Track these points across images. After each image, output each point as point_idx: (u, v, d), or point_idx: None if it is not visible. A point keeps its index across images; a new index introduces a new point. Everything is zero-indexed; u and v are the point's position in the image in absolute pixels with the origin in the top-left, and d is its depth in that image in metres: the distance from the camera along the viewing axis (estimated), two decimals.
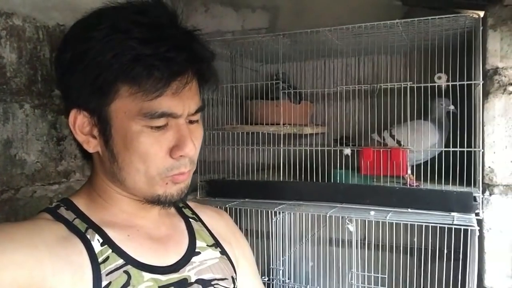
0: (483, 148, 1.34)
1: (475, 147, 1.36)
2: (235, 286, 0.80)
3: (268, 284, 1.51)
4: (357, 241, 1.37)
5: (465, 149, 1.35)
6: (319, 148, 1.54)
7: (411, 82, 1.39)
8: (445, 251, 1.31)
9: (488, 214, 1.34)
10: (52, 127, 1.46)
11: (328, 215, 1.37)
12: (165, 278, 0.68)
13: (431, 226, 1.26)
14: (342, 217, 1.40)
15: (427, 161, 1.46)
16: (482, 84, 1.32)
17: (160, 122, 0.64)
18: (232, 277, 0.79)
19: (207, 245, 0.79)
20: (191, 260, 0.74)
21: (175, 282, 0.69)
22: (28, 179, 1.37)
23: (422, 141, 1.41)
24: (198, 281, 0.72)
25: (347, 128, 1.66)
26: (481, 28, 1.31)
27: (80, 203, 0.70)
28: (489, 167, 1.35)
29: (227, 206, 1.47)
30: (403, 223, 1.31)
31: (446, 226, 1.23)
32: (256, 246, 1.54)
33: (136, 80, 0.61)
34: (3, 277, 0.55)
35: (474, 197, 1.30)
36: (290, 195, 1.50)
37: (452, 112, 1.46)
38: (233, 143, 1.69)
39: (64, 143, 1.50)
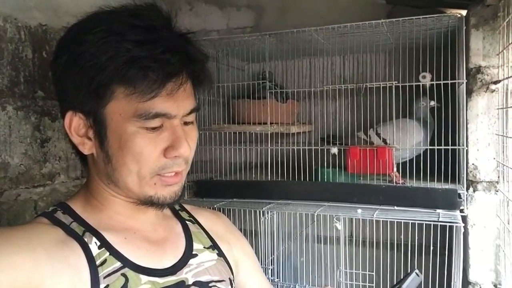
0: (467, 145, 1.36)
1: (459, 145, 1.38)
2: None
3: None
4: (344, 238, 1.38)
5: (450, 147, 1.37)
6: (306, 147, 1.55)
7: (396, 81, 1.40)
8: (431, 247, 1.33)
9: (472, 210, 1.37)
10: (36, 129, 1.44)
11: (316, 214, 1.37)
12: (162, 281, 0.68)
13: (417, 223, 1.28)
14: (329, 216, 1.41)
15: (413, 159, 1.48)
16: (466, 82, 1.34)
17: (155, 123, 0.65)
18: (230, 279, 0.79)
19: (204, 247, 0.79)
20: (188, 263, 0.74)
21: (173, 284, 0.69)
22: (12, 182, 1.35)
23: (408, 139, 1.43)
24: (195, 283, 0.72)
25: (333, 127, 1.68)
26: (464, 27, 1.33)
27: (77, 206, 0.71)
28: (473, 164, 1.38)
29: (215, 206, 1.46)
30: (389, 221, 1.32)
31: (431, 223, 1.24)
32: None
33: (131, 82, 0.62)
34: (1, 280, 0.55)
35: (459, 194, 1.33)
36: (278, 194, 1.51)
37: (436, 111, 1.48)
38: (220, 143, 1.68)
39: (48, 145, 1.48)
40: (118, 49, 0.61)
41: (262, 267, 1.49)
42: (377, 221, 1.56)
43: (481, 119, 1.36)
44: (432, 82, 1.38)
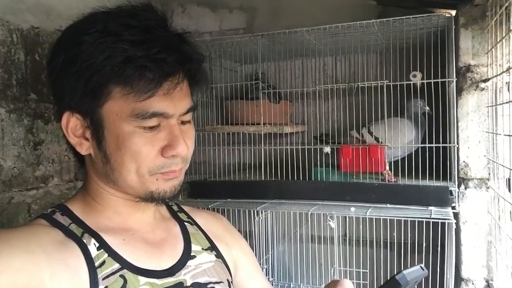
0: (457, 143, 1.38)
1: (450, 143, 1.40)
2: None
3: None
4: (338, 237, 1.39)
5: (441, 145, 1.39)
6: (299, 147, 1.56)
7: (387, 81, 1.42)
8: (424, 245, 1.35)
9: (463, 207, 1.38)
10: (29, 131, 1.43)
11: (309, 213, 1.38)
12: (161, 282, 0.68)
13: (410, 220, 1.29)
14: (323, 214, 1.42)
15: (405, 157, 1.50)
16: (456, 81, 1.36)
17: (152, 122, 0.65)
18: (228, 280, 0.79)
19: (203, 249, 0.79)
20: (187, 264, 0.74)
21: (171, 286, 0.69)
22: (5, 185, 1.34)
23: (400, 138, 1.44)
24: (193, 285, 0.72)
25: (326, 127, 1.69)
26: (453, 27, 1.35)
27: (75, 208, 0.71)
28: (464, 161, 1.39)
29: (209, 206, 1.47)
30: (382, 218, 1.34)
31: (424, 220, 1.26)
32: None
33: (128, 81, 0.62)
34: (0, 281, 0.55)
35: (450, 191, 1.34)
36: (272, 194, 1.51)
37: (428, 112, 1.50)
38: (213, 143, 1.69)
39: (41, 147, 1.48)
40: (114, 49, 0.61)
41: None
42: (370, 219, 1.57)
43: (471, 117, 1.38)
44: (422, 81, 1.40)
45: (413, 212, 1.30)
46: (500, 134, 1.22)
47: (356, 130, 1.55)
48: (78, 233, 0.66)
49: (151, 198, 0.70)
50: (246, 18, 2.03)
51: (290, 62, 1.90)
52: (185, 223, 0.82)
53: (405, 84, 1.42)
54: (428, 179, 1.40)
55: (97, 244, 0.66)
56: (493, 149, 1.31)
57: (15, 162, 1.38)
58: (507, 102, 1.18)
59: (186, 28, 0.71)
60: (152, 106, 0.64)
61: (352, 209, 1.36)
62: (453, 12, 1.39)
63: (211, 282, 0.75)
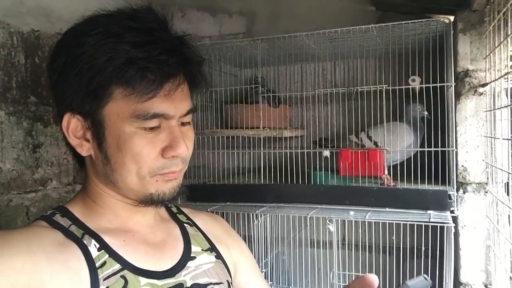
0: (456, 147, 1.38)
1: (448, 147, 1.40)
2: None
3: None
4: (337, 241, 1.39)
5: (439, 149, 1.39)
6: (299, 151, 1.57)
7: (386, 85, 1.42)
8: (423, 249, 1.35)
9: (462, 212, 1.39)
10: (28, 134, 1.43)
11: (309, 216, 1.38)
12: (161, 283, 0.68)
13: (409, 224, 1.30)
14: (322, 218, 1.42)
15: (403, 161, 1.50)
16: (454, 86, 1.36)
17: (153, 123, 0.66)
18: (228, 281, 0.79)
19: (202, 250, 0.79)
20: (187, 265, 0.74)
21: (171, 287, 0.70)
22: (4, 187, 1.34)
23: (399, 142, 1.45)
24: (193, 286, 0.72)
25: (325, 131, 1.69)
26: (451, 32, 1.36)
27: (75, 210, 0.71)
28: (462, 166, 1.40)
29: (208, 210, 1.46)
30: (381, 222, 1.34)
31: (423, 223, 1.26)
32: None
33: (129, 82, 0.63)
34: (1, 282, 0.55)
35: (449, 195, 1.35)
36: (271, 197, 1.51)
37: (426, 117, 1.50)
38: (213, 147, 1.69)
39: (40, 150, 1.48)
40: (116, 50, 0.62)
41: None
42: (369, 223, 1.58)
43: (469, 122, 1.39)
44: (421, 86, 1.41)
45: (412, 216, 1.30)
46: (498, 138, 1.23)
47: (355, 134, 1.55)
48: (79, 234, 0.66)
49: (150, 200, 0.70)
50: (245, 23, 2.04)
51: (289, 67, 1.91)
52: (185, 225, 0.83)
53: (404, 89, 1.43)
54: (427, 183, 1.40)
55: (98, 245, 0.66)
56: (492, 153, 1.32)
57: (14, 164, 1.38)
58: (505, 107, 1.19)
59: (185, 32, 0.72)
60: (153, 107, 0.65)
61: (351, 212, 1.37)
62: (451, 18, 1.40)
63: (211, 283, 0.75)
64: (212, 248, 0.81)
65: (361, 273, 1.42)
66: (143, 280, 0.67)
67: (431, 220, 1.25)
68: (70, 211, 0.71)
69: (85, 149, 0.69)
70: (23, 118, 1.41)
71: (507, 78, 1.16)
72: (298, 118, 1.87)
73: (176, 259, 0.74)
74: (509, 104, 1.17)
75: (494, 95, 1.28)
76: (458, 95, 1.39)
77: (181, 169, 0.71)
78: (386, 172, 1.48)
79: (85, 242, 0.66)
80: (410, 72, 1.46)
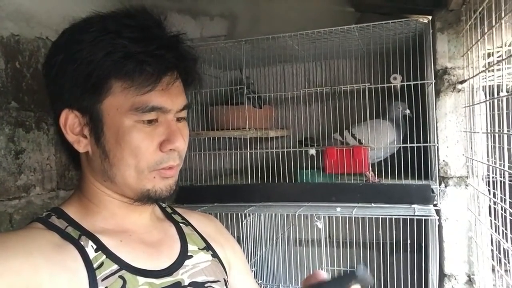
0: (437, 143, 1.43)
1: (430, 143, 1.44)
2: None
3: None
4: (325, 238, 1.42)
5: (421, 145, 1.43)
6: (285, 150, 1.58)
7: (368, 83, 1.46)
8: (408, 242, 1.38)
9: (444, 205, 1.43)
10: (10, 140, 1.41)
11: (297, 214, 1.40)
12: (159, 282, 0.69)
13: (394, 218, 1.33)
14: (310, 215, 1.44)
15: (387, 158, 1.54)
16: (434, 83, 1.41)
17: (151, 116, 0.67)
18: (224, 279, 0.80)
19: (199, 248, 0.80)
20: (184, 264, 0.75)
21: (169, 285, 0.70)
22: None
23: (382, 139, 1.48)
24: (191, 284, 0.73)
25: (309, 130, 1.72)
26: (430, 31, 1.41)
27: (71, 211, 0.71)
28: (444, 160, 1.44)
29: (196, 211, 1.46)
30: (367, 217, 1.36)
31: (408, 217, 1.29)
32: None
33: (129, 76, 0.64)
34: None
35: (432, 189, 1.39)
36: (259, 197, 1.53)
37: (408, 115, 1.55)
38: (198, 149, 1.69)
39: (22, 156, 1.45)
40: (114, 45, 0.63)
41: None
42: (356, 219, 1.60)
43: (449, 118, 1.43)
44: (402, 83, 1.45)
45: (397, 211, 1.33)
46: (478, 133, 1.27)
47: (339, 133, 1.58)
48: (75, 236, 0.66)
49: (147, 197, 0.70)
50: (227, 25, 2.05)
51: (272, 68, 1.93)
52: (180, 224, 0.83)
53: (385, 87, 1.46)
54: (410, 179, 1.44)
55: (95, 246, 0.66)
56: (471, 147, 1.37)
57: None
58: (483, 102, 1.23)
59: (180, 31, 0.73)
60: (152, 100, 0.66)
61: (338, 209, 1.39)
62: (429, 18, 1.45)
63: (208, 281, 0.76)
64: (208, 247, 0.82)
65: (349, 268, 1.44)
66: (141, 280, 0.67)
67: (416, 213, 1.29)
68: (65, 212, 0.70)
69: (83, 145, 0.69)
70: (4, 124, 1.39)
71: (485, 75, 1.21)
72: (283, 118, 1.89)
73: (173, 258, 0.74)
74: (486, 99, 1.21)
75: (472, 91, 1.32)
76: (437, 92, 1.43)
77: (178, 164, 0.71)
78: (370, 168, 1.51)
79: (82, 243, 0.65)
80: (391, 71, 1.50)
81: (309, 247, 1.70)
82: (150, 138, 0.67)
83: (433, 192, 1.38)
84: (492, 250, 1.24)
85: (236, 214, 1.48)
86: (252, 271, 1.51)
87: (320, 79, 1.88)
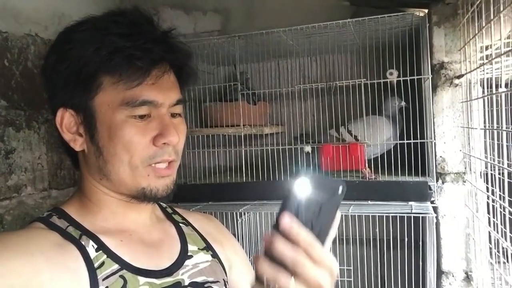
0: (434, 139, 1.41)
1: (427, 139, 1.43)
2: None
3: None
4: None
5: (418, 141, 1.42)
6: (280, 147, 1.56)
7: (364, 79, 1.44)
8: (405, 240, 1.37)
9: (442, 202, 1.41)
10: (0, 139, 1.38)
11: None
12: (159, 282, 0.69)
13: (391, 216, 1.31)
14: None
15: (384, 154, 1.52)
16: (430, 78, 1.39)
17: (142, 110, 0.67)
18: (224, 280, 0.80)
19: (199, 249, 0.80)
20: (184, 264, 0.75)
21: (169, 285, 0.70)
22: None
23: (378, 135, 1.47)
24: (191, 284, 0.73)
25: (305, 126, 1.69)
26: (426, 25, 1.38)
27: (71, 211, 0.71)
28: (441, 156, 1.42)
29: (191, 210, 1.44)
30: (364, 215, 1.35)
31: (405, 215, 1.28)
32: None
33: (117, 70, 0.65)
34: None
35: (429, 186, 1.37)
36: (254, 195, 1.51)
37: (404, 107, 1.52)
38: (192, 146, 1.67)
39: (13, 156, 1.42)
40: (103, 41, 0.64)
41: None
42: (353, 217, 1.59)
43: (446, 113, 1.41)
44: (399, 79, 1.43)
45: (394, 208, 1.32)
46: (476, 129, 1.25)
47: (336, 129, 1.56)
48: (76, 235, 0.67)
49: (143, 196, 0.70)
50: (220, 20, 2.02)
51: (266, 63, 1.90)
52: (180, 224, 0.83)
53: (382, 82, 1.44)
54: (408, 175, 1.42)
55: (96, 246, 0.67)
56: (468, 143, 1.35)
57: None
58: (481, 97, 1.21)
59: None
60: (142, 94, 0.66)
61: None
62: (426, 11, 1.42)
63: (208, 282, 0.75)
64: (208, 247, 0.82)
65: (347, 266, 1.43)
66: (142, 279, 0.67)
67: (413, 211, 1.27)
68: (66, 212, 0.71)
69: (78, 143, 0.70)
70: None
71: (482, 69, 1.19)
72: (278, 114, 1.87)
73: (173, 258, 0.74)
74: (484, 95, 1.19)
75: (469, 86, 1.30)
76: (434, 87, 1.41)
77: (173, 160, 0.71)
78: (366, 165, 1.49)
79: (83, 243, 0.66)
80: (387, 66, 1.48)
81: None
82: (143, 132, 0.67)
83: (430, 189, 1.36)
84: (490, 248, 1.23)
85: (231, 212, 1.46)
86: None
87: (316, 75, 1.86)
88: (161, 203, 0.84)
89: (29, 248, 0.60)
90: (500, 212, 1.10)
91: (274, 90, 1.83)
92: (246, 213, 1.47)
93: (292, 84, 1.81)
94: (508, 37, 1.19)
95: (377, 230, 1.39)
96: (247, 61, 1.88)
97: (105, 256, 0.66)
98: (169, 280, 0.70)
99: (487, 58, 1.19)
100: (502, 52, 0.94)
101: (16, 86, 1.44)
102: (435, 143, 1.41)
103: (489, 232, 1.19)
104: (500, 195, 1.11)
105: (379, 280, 1.60)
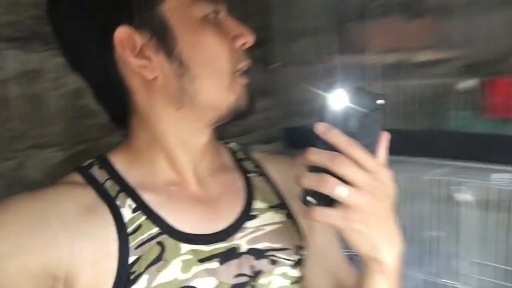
0: None
1: None
2: (300, 258, 0.65)
3: None
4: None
5: None
6: (433, 81, 1.11)
7: None
8: None
9: None
10: None
11: (431, 179, 0.97)
12: (209, 248, 0.58)
13: None
14: (450, 182, 0.98)
15: None
16: None
17: (218, 4, 0.57)
18: (297, 246, 0.65)
19: (269, 206, 0.66)
20: (244, 225, 0.62)
21: (221, 253, 0.59)
22: (101, 130, 1.35)
23: None
24: (250, 251, 0.60)
25: (484, 52, 1.14)
26: None
27: (118, 160, 0.61)
28: None
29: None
30: None
31: None
32: None
33: None
34: (9, 266, 0.50)
35: None
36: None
37: None
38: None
39: None
40: None
41: None
42: None
43: None
44: None
45: None
46: None
47: None
48: (113, 193, 0.57)
49: (232, 113, 0.59)
50: None
51: None
52: (250, 174, 0.68)
53: None
54: None
55: (134, 205, 0.57)
56: None
57: None
58: None
59: None
60: None
61: (495, 175, 0.90)
62: None
63: (271, 249, 0.62)
64: (282, 205, 0.67)
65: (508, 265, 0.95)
66: (185, 247, 0.57)
67: None
68: (110, 161, 0.61)
69: (151, 69, 0.56)
70: None
71: None
72: (447, 34, 1.32)
73: (231, 218, 0.62)
74: None
75: None
76: None
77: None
78: None
79: (118, 202, 0.57)
80: None
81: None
82: (224, 32, 0.57)
83: None
84: None
85: None
86: None
87: None
88: (234, 147, 0.72)
89: (47, 217, 0.53)
90: None
91: None
92: None
93: None
94: None
95: None
96: None
97: (144, 217, 0.56)
98: (221, 246, 0.59)
99: None
100: None
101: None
102: None
103: None
104: None
105: None
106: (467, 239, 1.08)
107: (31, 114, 1.11)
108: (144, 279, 0.53)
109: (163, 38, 0.55)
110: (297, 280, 0.64)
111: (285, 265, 0.62)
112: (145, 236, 0.55)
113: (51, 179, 0.61)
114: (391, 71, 1.30)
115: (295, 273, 0.63)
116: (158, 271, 0.54)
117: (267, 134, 1.54)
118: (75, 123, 1.19)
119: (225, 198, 0.64)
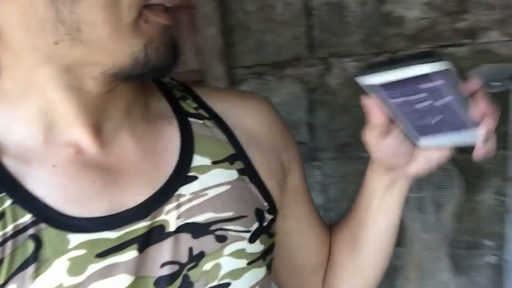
0: None
1: None
2: (264, 224, 0.49)
3: None
4: None
5: None
6: None
7: None
8: None
9: None
10: None
11: None
12: (118, 234, 0.41)
13: None
14: None
15: None
16: None
17: None
18: (259, 210, 0.48)
19: (216, 161, 0.47)
20: (178, 193, 0.44)
21: (139, 236, 0.41)
22: (408, 39, 1.21)
23: None
24: (184, 228, 0.44)
25: None
26: None
27: None
28: None
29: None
30: None
31: None
32: None
33: None
34: None
35: None
36: None
37: None
38: None
39: None
40: None
41: None
42: None
43: None
44: None
45: None
46: None
47: None
48: None
49: (137, 66, 0.38)
50: None
51: None
52: (190, 119, 0.49)
53: None
54: None
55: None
56: None
57: (425, 11, 1.23)
58: None
59: None
60: None
61: None
62: None
63: (217, 220, 0.45)
64: (237, 156, 0.49)
65: None
66: (75, 238, 0.39)
67: None
68: None
69: None
70: None
71: None
72: None
73: (156, 185, 0.44)
74: None
75: None
76: None
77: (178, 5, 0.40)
78: None
79: None
80: None
81: None
82: None
83: None
84: None
85: None
86: None
87: None
88: (168, 81, 0.51)
89: None
90: None
91: None
92: None
93: None
94: None
95: None
96: None
97: (9, 201, 0.38)
98: (139, 226, 0.41)
99: None
100: None
101: None
102: None
103: None
104: None
105: None
106: None
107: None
108: None
109: None
110: (259, 257, 0.47)
111: (239, 239, 0.45)
112: (9, 229, 0.38)
113: None
114: None
115: (254, 247, 0.47)
116: (33, 277, 0.37)
117: None
118: None
119: (148, 159, 0.45)
